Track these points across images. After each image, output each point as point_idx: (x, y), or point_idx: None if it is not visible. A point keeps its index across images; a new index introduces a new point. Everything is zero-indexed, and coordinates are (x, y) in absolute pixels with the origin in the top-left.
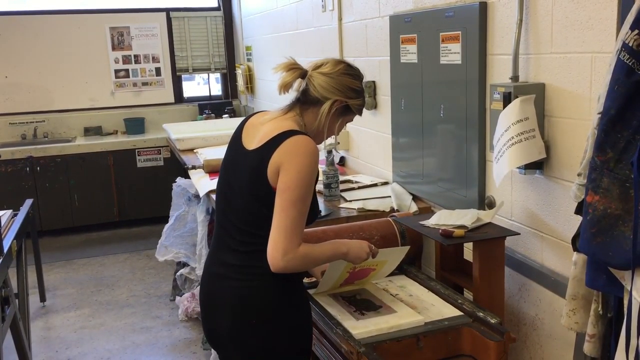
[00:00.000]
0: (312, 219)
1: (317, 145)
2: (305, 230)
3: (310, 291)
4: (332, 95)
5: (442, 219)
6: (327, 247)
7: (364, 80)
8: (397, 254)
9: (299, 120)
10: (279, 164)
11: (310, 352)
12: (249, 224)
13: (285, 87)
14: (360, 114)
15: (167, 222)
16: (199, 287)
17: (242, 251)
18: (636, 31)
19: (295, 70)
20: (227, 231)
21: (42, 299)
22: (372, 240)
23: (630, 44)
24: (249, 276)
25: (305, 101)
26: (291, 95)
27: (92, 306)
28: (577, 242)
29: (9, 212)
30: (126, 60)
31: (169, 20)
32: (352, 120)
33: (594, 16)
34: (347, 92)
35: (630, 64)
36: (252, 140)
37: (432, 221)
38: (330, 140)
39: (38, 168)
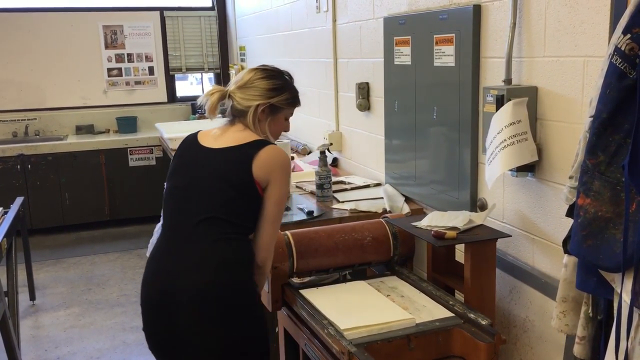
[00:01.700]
0: None
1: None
2: (297, 231)
3: (303, 291)
4: (252, 103)
5: (434, 220)
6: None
7: (359, 81)
8: None
9: (251, 130)
10: (269, 170)
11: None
12: (228, 211)
13: (211, 110)
14: (293, 105)
15: (158, 221)
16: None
17: (210, 241)
18: (628, 35)
19: (218, 92)
20: (185, 228)
21: (32, 297)
22: (365, 241)
23: (623, 48)
24: (214, 266)
25: (237, 115)
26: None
27: (82, 305)
28: (567, 245)
29: None
30: (119, 59)
31: (162, 20)
32: (291, 114)
33: (587, 20)
34: (266, 93)
35: (622, 68)
36: (216, 144)
37: (424, 223)
38: (324, 141)
39: (29, 166)
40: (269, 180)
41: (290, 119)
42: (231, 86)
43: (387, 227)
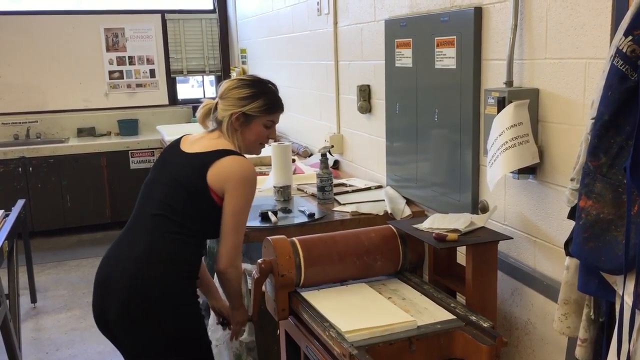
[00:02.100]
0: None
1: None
2: (303, 237)
3: (304, 293)
4: (227, 112)
5: (436, 222)
6: (240, 291)
7: (361, 84)
8: None
9: (226, 139)
10: (224, 179)
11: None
12: (172, 209)
13: (201, 122)
14: (269, 112)
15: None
16: None
17: (154, 236)
18: (630, 37)
19: (206, 105)
20: (139, 220)
21: (33, 300)
22: (374, 250)
23: (624, 50)
24: (149, 260)
25: (218, 125)
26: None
27: (84, 308)
28: (569, 247)
29: (0, 212)
30: (120, 61)
31: (164, 22)
32: (272, 122)
33: (588, 22)
34: (238, 102)
35: (623, 70)
36: (191, 148)
37: (425, 225)
38: (325, 143)
39: (30, 168)
40: (224, 190)
41: (292, 120)
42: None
43: (396, 232)
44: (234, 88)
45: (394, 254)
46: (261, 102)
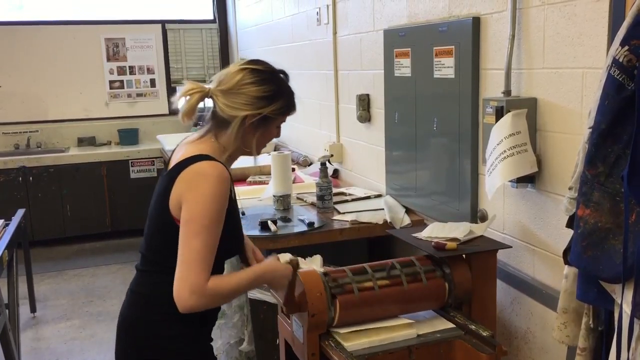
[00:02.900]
0: (234, 250)
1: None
2: (335, 270)
3: None
4: (239, 112)
5: (435, 231)
6: (243, 276)
7: (360, 93)
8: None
9: (213, 144)
10: (180, 194)
11: None
12: (147, 246)
13: (188, 114)
14: (288, 113)
15: None
16: None
17: (137, 274)
18: (626, 47)
19: (195, 92)
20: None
21: (33, 309)
22: (416, 287)
23: (621, 60)
24: (128, 300)
25: (217, 122)
26: None
27: (83, 317)
28: (568, 256)
29: (0, 221)
30: (121, 71)
31: (164, 32)
32: (284, 121)
33: (585, 32)
34: (256, 103)
35: (620, 79)
36: (174, 159)
37: (424, 234)
38: (324, 152)
39: (31, 178)
40: (180, 202)
41: (292, 130)
42: (213, 84)
43: (441, 267)
44: (250, 83)
45: (439, 290)
46: (282, 102)
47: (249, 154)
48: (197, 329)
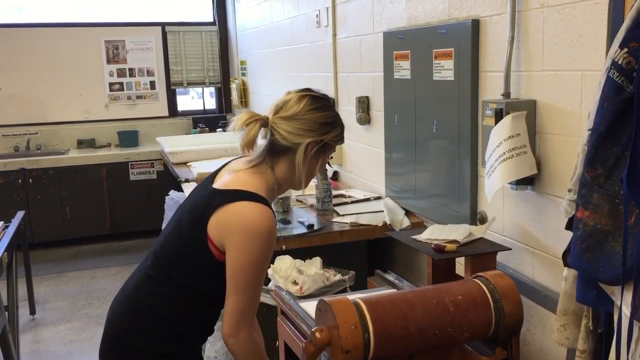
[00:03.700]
0: None
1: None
2: (368, 298)
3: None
4: (303, 139)
5: (434, 233)
6: None
7: (359, 95)
8: None
9: (268, 176)
10: (226, 231)
11: None
12: (165, 254)
13: (249, 146)
14: (341, 141)
15: (159, 235)
16: None
17: (143, 277)
18: (625, 49)
19: (256, 121)
20: (148, 258)
21: (32, 311)
22: (460, 314)
23: (620, 62)
24: (131, 305)
25: (274, 152)
26: None
27: (83, 319)
28: (567, 258)
29: (0, 223)
30: (121, 73)
31: (164, 34)
32: (334, 151)
33: (584, 34)
34: (320, 129)
35: (619, 81)
36: (217, 183)
37: (424, 236)
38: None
39: (30, 180)
40: (223, 242)
41: None
42: (270, 113)
43: (488, 294)
44: (313, 110)
45: (486, 321)
46: (340, 129)
47: (303, 183)
48: (195, 348)
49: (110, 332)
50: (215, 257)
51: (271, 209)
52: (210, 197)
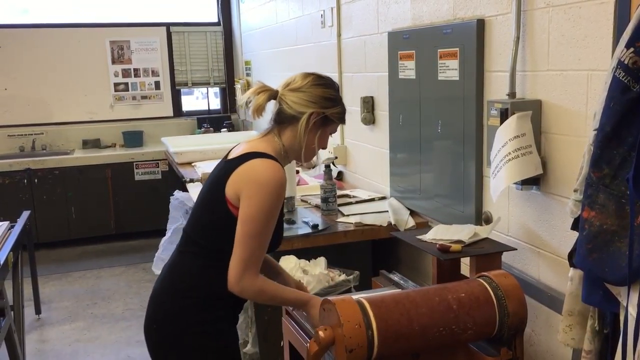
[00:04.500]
0: (273, 246)
1: (311, 161)
2: (372, 297)
3: None
4: (307, 109)
5: (439, 234)
6: (290, 296)
7: (364, 95)
8: None
9: (275, 142)
10: (239, 186)
11: None
12: (193, 225)
13: (258, 111)
14: (342, 122)
15: (164, 235)
16: None
17: (177, 255)
18: (631, 49)
19: (265, 92)
20: (181, 239)
21: (38, 311)
22: (463, 312)
23: (626, 62)
24: (163, 281)
25: (281, 121)
26: None
27: (88, 319)
28: (573, 258)
29: (5, 223)
30: (126, 73)
31: (169, 35)
32: (335, 131)
33: (590, 34)
34: (322, 102)
35: (625, 81)
36: (232, 154)
37: (429, 236)
38: (328, 154)
39: (36, 180)
40: (239, 196)
41: None
42: (280, 87)
43: (491, 293)
44: (318, 85)
45: (489, 320)
46: (341, 108)
47: (307, 156)
48: (229, 318)
49: (151, 307)
50: (235, 216)
51: (281, 165)
52: (225, 166)
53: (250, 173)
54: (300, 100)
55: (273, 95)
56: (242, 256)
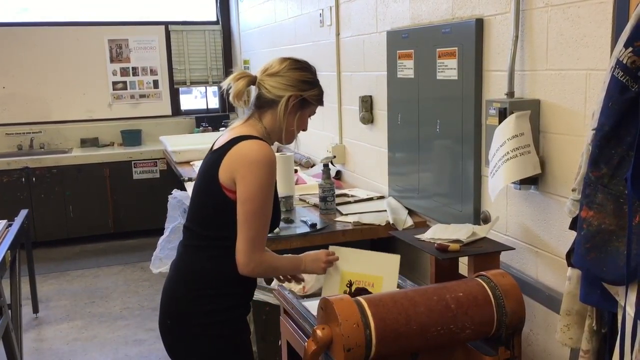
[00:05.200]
0: (273, 225)
1: (288, 145)
2: (371, 297)
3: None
4: (285, 93)
5: (438, 233)
6: (286, 262)
7: (363, 95)
8: (387, 264)
9: (257, 125)
10: (232, 169)
11: None
12: (193, 218)
13: (238, 97)
14: (320, 104)
15: (162, 234)
16: None
17: (182, 250)
18: (630, 49)
19: (244, 77)
20: (183, 234)
21: (35, 310)
22: (461, 312)
23: (624, 62)
24: (173, 277)
25: (261, 105)
26: None
27: (85, 318)
28: (571, 258)
29: (3, 222)
30: (124, 72)
31: (167, 34)
32: (314, 113)
33: (589, 34)
34: (300, 85)
35: (624, 81)
36: (218, 143)
37: (427, 235)
38: (327, 154)
39: (34, 179)
40: (234, 179)
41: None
42: (258, 73)
43: (489, 292)
44: (295, 69)
45: (488, 319)
46: (318, 90)
47: (288, 138)
48: (241, 306)
49: (163, 304)
50: (233, 200)
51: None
52: (213, 156)
53: (241, 155)
54: (279, 85)
55: (252, 80)
56: (247, 236)
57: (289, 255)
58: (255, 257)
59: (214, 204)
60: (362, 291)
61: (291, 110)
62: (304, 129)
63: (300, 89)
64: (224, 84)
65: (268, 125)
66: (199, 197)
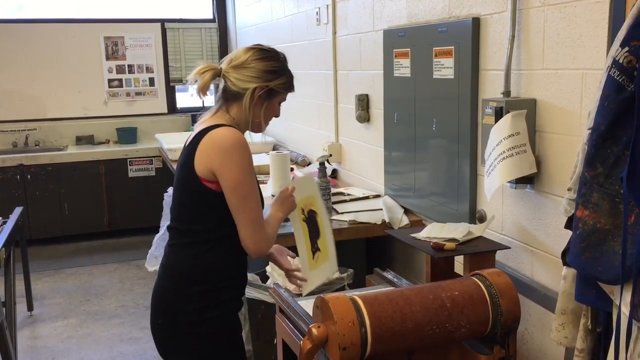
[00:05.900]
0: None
1: (260, 133)
2: (366, 295)
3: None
4: (249, 85)
5: (433, 232)
6: (274, 222)
7: (359, 93)
8: (309, 184)
9: (226, 117)
10: (208, 159)
11: None
12: (177, 216)
13: (203, 90)
14: (290, 90)
15: (157, 232)
16: None
17: (169, 250)
18: (626, 48)
19: (210, 70)
20: (169, 236)
21: (30, 308)
22: (457, 311)
23: (621, 61)
24: (161, 276)
25: (227, 98)
26: None
27: (80, 316)
28: (566, 257)
29: None
30: (120, 69)
31: (163, 31)
32: (284, 99)
33: (585, 33)
34: (265, 75)
35: (620, 80)
36: (189, 140)
37: (423, 234)
38: (323, 152)
39: (29, 176)
40: (212, 169)
41: (291, 129)
42: (224, 64)
43: (484, 291)
44: (260, 59)
45: (483, 318)
46: (285, 78)
47: (255, 128)
48: (233, 301)
49: (153, 305)
50: (215, 190)
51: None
52: (186, 151)
53: (213, 143)
54: (243, 77)
55: (217, 73)
56: (248, 219)
57: (268, 215)
58: (262, 237)
59: (194, 198)
60: (312, 212)
61: (257, 101)
62: (276, 116)
63: (265, 80)
64: (190, 78)
65: (235, 116)
66: (179, 194)
